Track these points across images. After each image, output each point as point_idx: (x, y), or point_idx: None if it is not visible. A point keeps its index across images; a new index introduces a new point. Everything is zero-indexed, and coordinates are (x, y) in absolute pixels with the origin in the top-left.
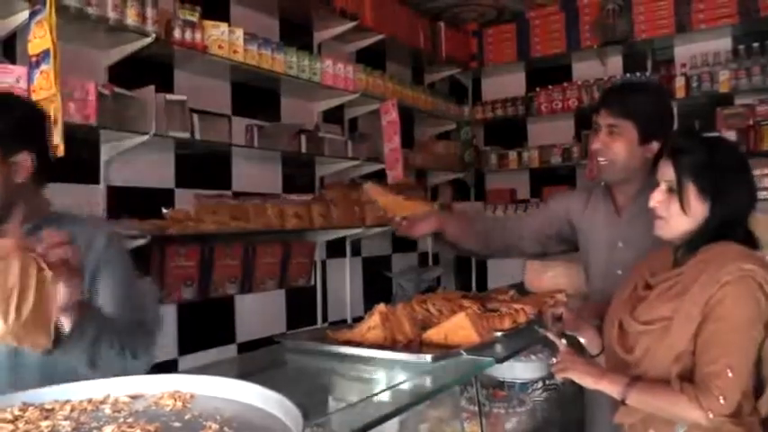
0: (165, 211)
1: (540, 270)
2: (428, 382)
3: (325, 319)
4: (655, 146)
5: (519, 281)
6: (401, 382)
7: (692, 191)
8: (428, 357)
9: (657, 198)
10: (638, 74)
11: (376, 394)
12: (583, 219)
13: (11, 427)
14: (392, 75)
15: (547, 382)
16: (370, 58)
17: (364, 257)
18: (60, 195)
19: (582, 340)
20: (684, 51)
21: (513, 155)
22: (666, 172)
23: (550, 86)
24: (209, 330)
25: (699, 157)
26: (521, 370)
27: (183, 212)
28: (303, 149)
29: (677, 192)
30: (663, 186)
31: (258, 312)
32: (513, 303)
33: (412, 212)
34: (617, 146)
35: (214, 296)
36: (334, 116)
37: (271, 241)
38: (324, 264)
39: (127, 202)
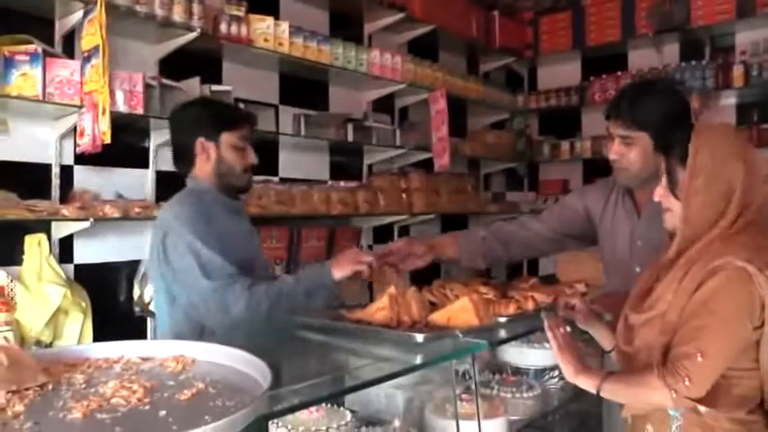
0: None
1: (571, 261)
2: (417, 359)
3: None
4: None
5: None
6: (387, 358)
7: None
8: (420, 337)
9: (659, 192)
10: (693, 62)
11: (360, 367)
12: (603, 216)
13: None
14: (445, 64)
15: None
16: (423, 49)
17: None
18: (113, 179)
19: (594, 336)
20: (745, 38)
21: (565, 145)
22: (663, 166)
23: (604, 76)
24: None
25: (685, 149)
26: (536, 357)
27: None
28: (350, 138)
29: (669, 183)
30: (663, 181)
31: None
32: (530, 292)
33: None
34: (631, 155)
35: None
36: (384, 105)
37: (316, 226)
38: (371, 249)
39: (174, 186)
